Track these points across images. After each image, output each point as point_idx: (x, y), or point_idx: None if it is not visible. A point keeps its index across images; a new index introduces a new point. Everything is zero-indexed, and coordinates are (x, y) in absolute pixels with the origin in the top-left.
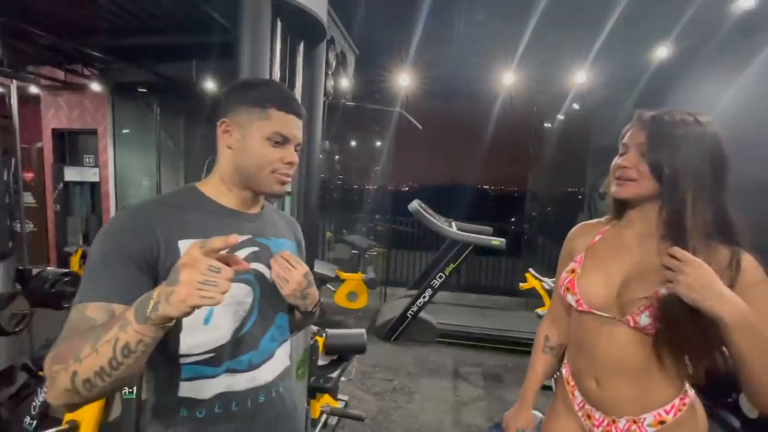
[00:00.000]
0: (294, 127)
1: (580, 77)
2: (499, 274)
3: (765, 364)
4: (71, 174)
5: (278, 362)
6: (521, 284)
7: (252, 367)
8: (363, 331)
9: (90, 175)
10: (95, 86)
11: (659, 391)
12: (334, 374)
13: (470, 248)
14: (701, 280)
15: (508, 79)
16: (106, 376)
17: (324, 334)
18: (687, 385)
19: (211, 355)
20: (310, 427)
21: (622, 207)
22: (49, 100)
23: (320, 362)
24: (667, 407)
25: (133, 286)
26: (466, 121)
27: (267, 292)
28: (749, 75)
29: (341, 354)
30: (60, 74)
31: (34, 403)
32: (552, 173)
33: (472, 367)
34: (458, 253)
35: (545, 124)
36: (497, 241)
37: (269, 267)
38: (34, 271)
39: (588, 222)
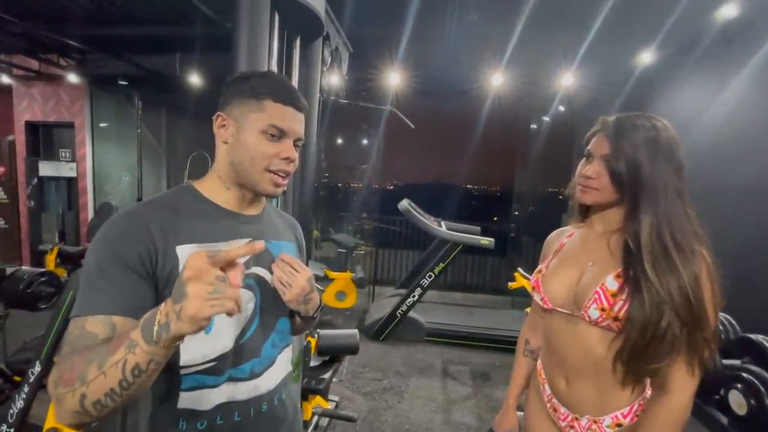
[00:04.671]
0: (292, 119)
1: (567, 80)
2: (485, 272)
3: None
4: (46, 169)
5: (280, 369)
6: (510, 283)
7: (254, 375)
8: (356, 331)
9: (66, 170)
10: (72, 77)
11: (619, 394)
12: (327, 375)
13: (459, 248)
14: None
15: (496, 79)
16: (117, 396)
17: (316, 335)
18: (647, 391)
19: (213, 364)
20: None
21: (585, 209)
22: (21, 91)
23: (312, 363)
24: (625, 411)
25: (132, 295)
26: (453, 121)
27: (268, 297)
28: (730, 82)
29: (333, 355)
30: (34, 64)
31: (11, 410)
32: (537, 174)
33: (460, 366)
34: (447, 253)
35: (531, 126)
36: (486, 241)
37: (270, 271)
38: (8, 270)
39: (563, 228)
